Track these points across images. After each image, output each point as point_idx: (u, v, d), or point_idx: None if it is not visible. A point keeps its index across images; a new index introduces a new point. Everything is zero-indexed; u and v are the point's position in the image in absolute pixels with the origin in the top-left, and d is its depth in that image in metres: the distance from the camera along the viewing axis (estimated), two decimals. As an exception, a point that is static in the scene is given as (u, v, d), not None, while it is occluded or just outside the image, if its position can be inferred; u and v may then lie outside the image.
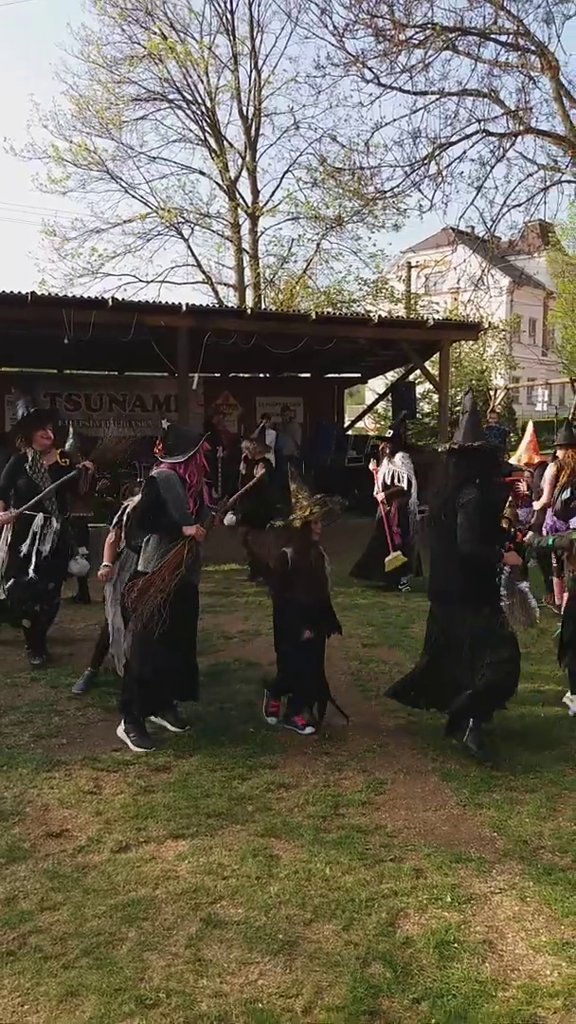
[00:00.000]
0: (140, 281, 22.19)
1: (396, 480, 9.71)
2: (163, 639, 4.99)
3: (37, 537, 6.62)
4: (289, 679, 5.52)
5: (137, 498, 5.77)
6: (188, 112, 21.88)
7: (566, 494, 7.32)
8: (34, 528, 6.63)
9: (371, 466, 10.20)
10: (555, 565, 8.25)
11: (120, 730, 5.16)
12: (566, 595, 6.36)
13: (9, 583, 6.65)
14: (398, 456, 9.83)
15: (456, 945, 3.13)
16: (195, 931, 3.22)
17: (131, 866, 3.69)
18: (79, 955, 3.07)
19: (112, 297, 11.77)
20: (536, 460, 10.08)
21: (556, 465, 7.97)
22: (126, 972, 2.97)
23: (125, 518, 5.84)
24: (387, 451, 10.00)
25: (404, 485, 9.59)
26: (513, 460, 11.63)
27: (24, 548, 6.60)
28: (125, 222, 21.85)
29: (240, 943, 3.15)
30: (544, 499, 8.13)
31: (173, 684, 5.28)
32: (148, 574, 5.10)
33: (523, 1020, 2.74)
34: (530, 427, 11.10)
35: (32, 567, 6.58)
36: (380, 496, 9.75)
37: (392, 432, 10.49)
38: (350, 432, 18.61)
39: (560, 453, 7.93)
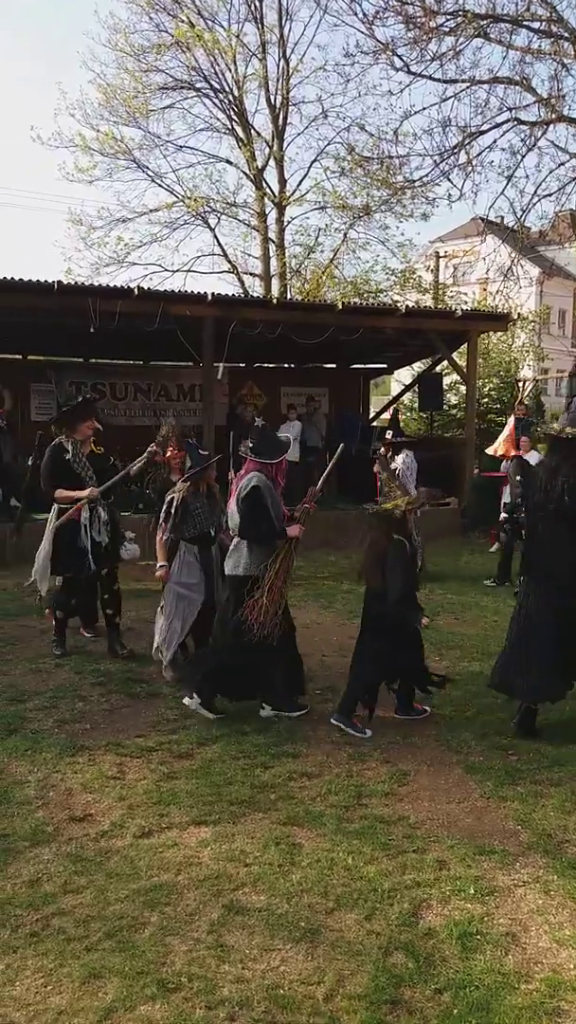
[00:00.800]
0: (166, 270, 22.23)
1: (400, 477, 9.58)
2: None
3: (87, 529, 6.46)
4: (377, 679, 5.32)
5: (178, 491, 5.86)
6: (215, 101, 21.85)
7: None
8: (83, 521, 6.46)
9: (375, 468, 10.08)
10: None
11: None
12: None
13: (65, 576, 6.57)
14: (400, 456, 9.71)
15: (479, 937, 3.12)
16: (217, 917, 3.22)
17: (154, 851, 3.71)
18: (102, 938, 3.09)
19: (138, 286, 11.79)
20: (512, 453, 10.00)
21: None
22: (148, 956, 2.99)
23: (173, 512, 5.83)
24: (387, 451, 9.86)
25: (410, 486, 9.41)
26: (489, 451, 11.51)
27: (82, 540, 6.43)
28: (151, 211, 21.88)
29: (262, 930, 3.15)
30: None
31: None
32: (259, 590, 5.12)
33: (545, 1013, 2.72)
34: (511, 421, 11.03)
35: (90, 558, 6.46)
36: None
37: (391, 431, 10.34)
38: (375, 423, 18.52)
39: None
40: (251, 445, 5.54)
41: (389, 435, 10.29)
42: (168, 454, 8.06)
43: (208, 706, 5.34)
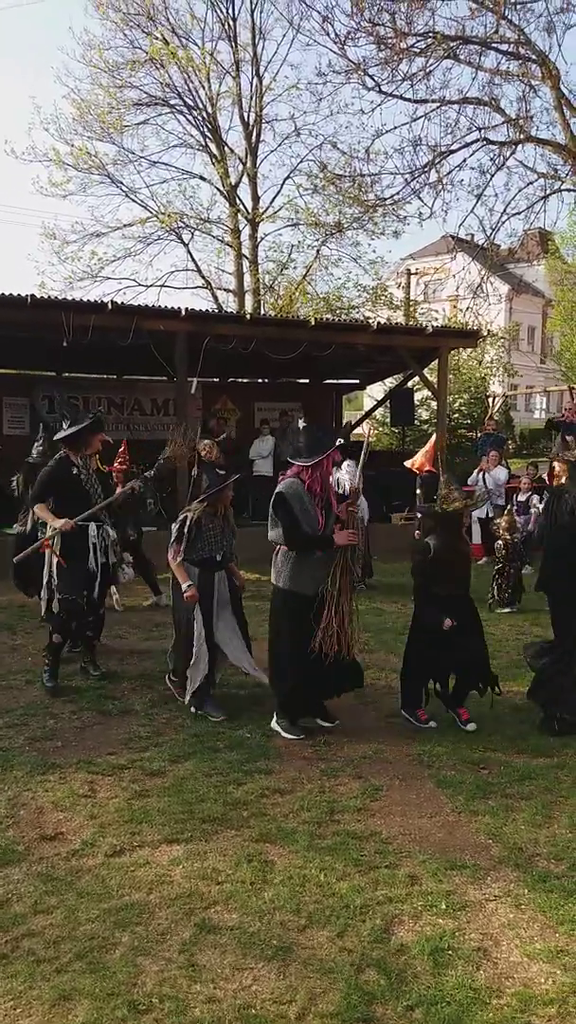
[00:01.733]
0: (140, 285, 22.27)
1: (339, 487, 9.54)
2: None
3: (98, 549, 6.20)
4: (423, 678, 5.58)
5: (193, 510, 5.64)
6: (189, 117, 21.98)
7: None
8: (92, 539, 6.18)
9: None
10: None
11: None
12: None
13: (64, 597, 6.13)
14: (345, 464, 9.67)
15: (450, 952, 3.13)
16: (189, 936, 3.21)
17: (125, 870, 3.68)
18: (72, 959, 3.06)
19: (112, 301, 11.79)
20: (427, 468, 10.13)
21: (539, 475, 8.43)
22: (119, 977, 2.96)
23: (187, 531, 5.59)
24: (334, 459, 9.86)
25: (345, 491, 9.40)
26: (408, 464, 11.63)
27: (90, 562, 6.16)
28: (125, 226, 21.93)
29: (234, 949, 3.14)
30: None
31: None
32: (326, 614, 5.07)
33: (517, 1028, 2.73)
34: (433, 438, 11.20)
35: (97, 582, 6.24)
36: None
37: (341, 440, 10.39)
38: (350, 437, 18.62)
39: (558, 465, 8.09)
40: (294, 447, 5.48)
41: (339, 441, 10.31)
42: (116, 465, 8.07)
43: (292, 727, 5.33)
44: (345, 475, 9.61)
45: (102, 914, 3.34)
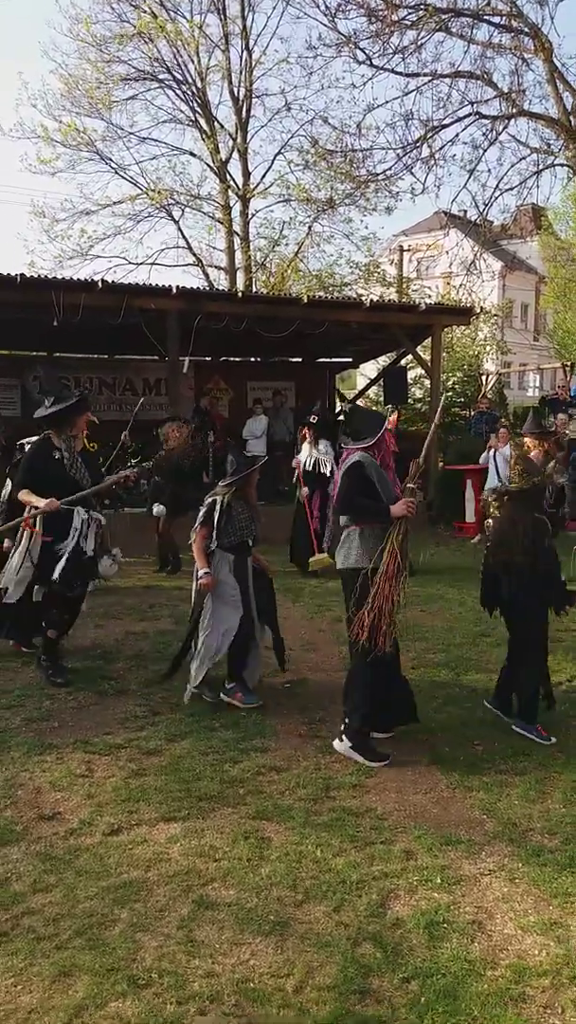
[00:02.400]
0: (130, 263, 22.03)
1: (318, 467, 9.49)
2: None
3: (80, 535, 5.82)
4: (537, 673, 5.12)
5: (221, 495, 5.49)
6: (178, 92, 21.65)
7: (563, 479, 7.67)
8: (76, 525, 5.80)
9: (294, 462, 9.92)
10: None
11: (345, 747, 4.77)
12: None
13: (59, 588, 5.78)
14: (322, 443, 9.65)
15: (446, 925, 3.17)
16: (187, 912, 3.24)
17: (123, 848, 3.71)
18: (72, 936, 3.09)
19: (102, 279, 11.71)
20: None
21: (516, 451, 8.20)
22: (118, 953, 3.00)
23: (216, 516, 5.45)
24: (308, 437, 9.74)
25: (327, 472, 9.33)
26: None
27: (67, 548, 5.76)
28: (115, 203, 21.64)
29: (232, 924, 3.17)
30: None
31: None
32: (371, 596, 4.54)
33: (511, 999, 2.78)
34: (393, 416, 11.06)
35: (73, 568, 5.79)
36: (304, 490, 9.58)
37: (316, 417, 10.31)
38: (341, 417, 18.60)
39: (528, 441, 8.16)
40: (347, 432, 5.37)
41: (313, 419, 10.23)
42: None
43: (366, 749, 4.70)
44: (324, 454, 9.54)
45: (101, 892, 3.38)
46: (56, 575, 5.71)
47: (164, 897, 3.35)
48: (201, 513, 5.54)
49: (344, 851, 3.69)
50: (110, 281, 12.07)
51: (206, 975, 2.88)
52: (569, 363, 18.07)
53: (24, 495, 5.79)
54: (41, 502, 5.68)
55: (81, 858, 3.63)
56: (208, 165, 22.27)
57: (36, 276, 12.45)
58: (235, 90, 21.73)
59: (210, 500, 5.56)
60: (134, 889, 3.40)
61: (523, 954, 3.02)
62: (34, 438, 6.26)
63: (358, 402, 17.66)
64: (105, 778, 4.42)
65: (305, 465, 9.63)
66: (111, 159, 21.67)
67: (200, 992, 2.80)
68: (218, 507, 5.46)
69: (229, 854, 3.66)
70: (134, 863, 3.60)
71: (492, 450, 12.18)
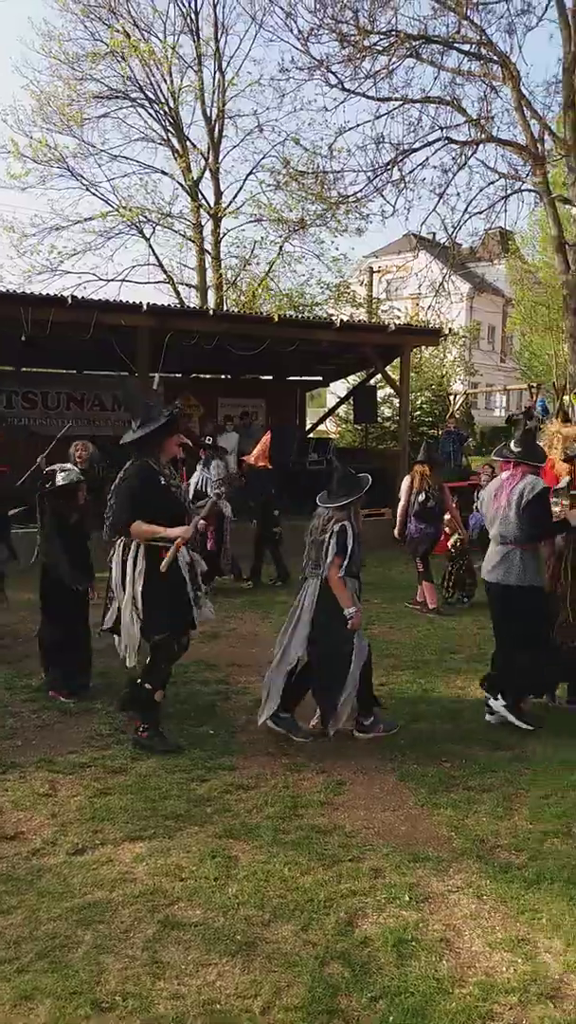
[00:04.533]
0: (100, 279, 22.00)
1: (206, 489, 9.29)
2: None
3: (191, 574, 5.17)
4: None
5: (346, 522, 5.12)
6: (151, 111, 21.75)
7: (421, 497, 8.61)
8: (184, 561, 5.11)
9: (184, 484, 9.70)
10: (421, 570, 8.94)
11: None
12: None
13: (163, 639, 5.07)
14: (213, 464, 9.53)
15: (414, 943, 3.15)
16: (152, 933, 3.19)
17: (87, 869, 3.65)
18: (34, 959, 3.02)
19: (72, 295, 11.65)
20: (261, 463, 10.12)
21: (410, 476, 9.00)
22: (81, 975, 2.93)
23: (351, 543, 5.09)
24: (204, 458, 9.60)
25: (213, 495, 9.17)
26: (244, 459, 11.39)
27: (189, 589, 5.13)
28: (86, 220, 21.64)
29: (198, 944, 3.13)
30: (401, 504, 9.01)
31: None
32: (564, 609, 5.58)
33: (479, 1016, 2.76)
34: (267, 436, 10.99)
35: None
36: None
37: (211, 439, 10.29)
38: (311, 435, 18.65)
39: (417, 468, 8.93)
40: (518, 449, 5.53)
41: (208, 440, 10.22)
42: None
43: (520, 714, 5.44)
44: (213, 475, 9.40)
45: (64, 913, 3.31)
46: (196, 618, 5.14)
47: (129, 918, 3.29)
48: (332, 543, 5.10)
49: (312, 869, 3.66)
50: (80, 297, 12.02)
51: (171, 997, 2.83)
52: (535, 384, 18.34)
53: (141, 527, 4.95)
54: (176, 530, 4.96)
55: (44, 879, 3.56)
56: (180, 184, 22.38)
57: (4, 291, 12.36)
58: (208, 110, 21.90)
59: (338, 528, 5.12)
60: (98, 910, 3.34)
61: (491, 971, 3.01)
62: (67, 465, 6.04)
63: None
64: (69, 797, 4.35)
65: (197, 486, 9.37)
66: (82, 176, 21.71)
67: (165, 1015, 2.75)
68: (351, 533, 5.13)
69: (196, 873, 3.61)
70: (98, 883, 3.53)
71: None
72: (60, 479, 5.93)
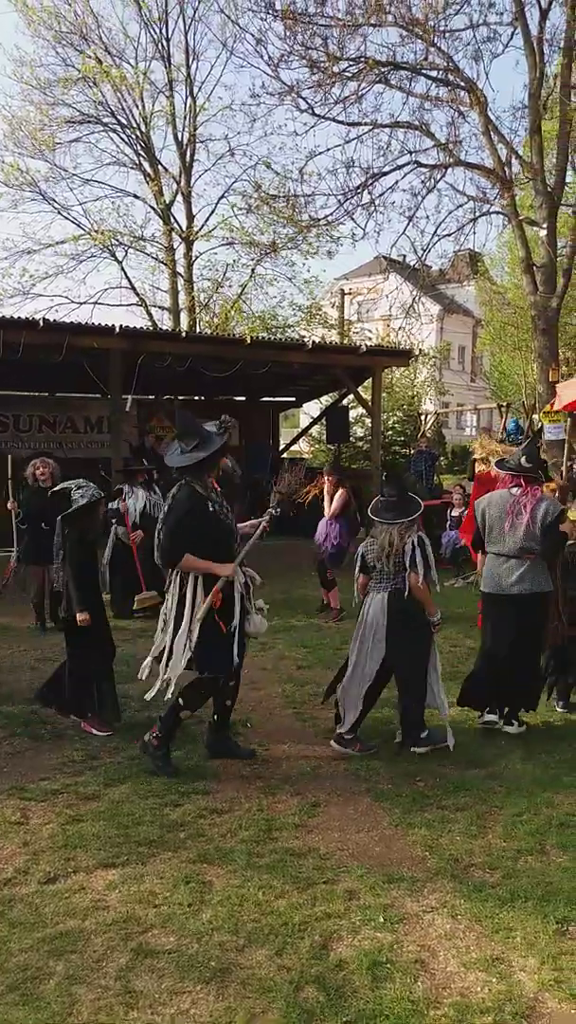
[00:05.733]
0: (72, 302, 22.04)
1: (153, 511, 8.94)
2: None
3: (243, 601, 5.00)
4: None
5: (419, 533, 5.28)
6: (123, 136, 21.93)
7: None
8: (239, 590, 4.96)
9: (122, 506, 9.41)
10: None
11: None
12: None
13: (210, 677, 4.98)
14: (156, 488, 9.48)
15: (389, 965, 3.14)
16: (125, 962, 3.15)
17: (59, 897, 3.60)
18: (4, 991, 2.97)
19: (43, 318, 11.65)
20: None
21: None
22: (53, 1007, 2.89)
23: (430, 553, 5.27)
24: (145, 480, 9.54)
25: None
26: None
27: (236, 622, 4.94)
28: (58, 243, 21.71)
29: (172, 972, 3.09)
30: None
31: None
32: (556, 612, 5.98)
33: (454, 1038, 2.76)
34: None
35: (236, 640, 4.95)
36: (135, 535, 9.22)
37: (133, 458, 10.24)
38: (285, 455, 18.71)
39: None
40: (529, 465, 5.70)
41: (145, 462, 10.22)
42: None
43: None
44: (159, 499, 9.12)
45: (35, 943, 3.26)
46: (235, 658, 4.93)
47: (102, 947, 3.25)
48: (418, 554, 5.22)
49: (286, 893, 3.64)
50: (52, 320, 12.02)
51: (144, 1026, 2.80)
52: (505, 403, 18.54)
53: (191, 561, 4.80)
54: (225, 568, 4.83)
55: (15, 909, 3.51)
56: (152, 207, 22.54)
57: (-24, 314, 12.33)
58: (179, 135, 22.12)
59: (416, 539, 5.27)
60: (71, 939, 3.29)
61: (466, 992, 3.00)
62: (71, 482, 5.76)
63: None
64: (41, 825, 4.30)
65: (144, 508, 9.29)
66: (54, 200, 21.82)
67: (138, 1045, 2.71)
68: (428, 544, 5.33)
69: (169, 900, 3.58)
70: (71, 912, 3.49)
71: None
72: (78, 496, 5.61)
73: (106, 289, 23.30)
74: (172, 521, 4.84)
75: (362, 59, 13.92)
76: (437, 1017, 2.86)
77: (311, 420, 19.34)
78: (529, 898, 3.58)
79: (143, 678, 5.06)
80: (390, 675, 5.42)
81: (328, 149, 27.57)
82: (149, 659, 5.04)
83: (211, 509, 4.89)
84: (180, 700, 5.00)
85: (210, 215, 22.66)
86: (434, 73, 14.37)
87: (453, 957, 3.21)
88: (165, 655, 4.91)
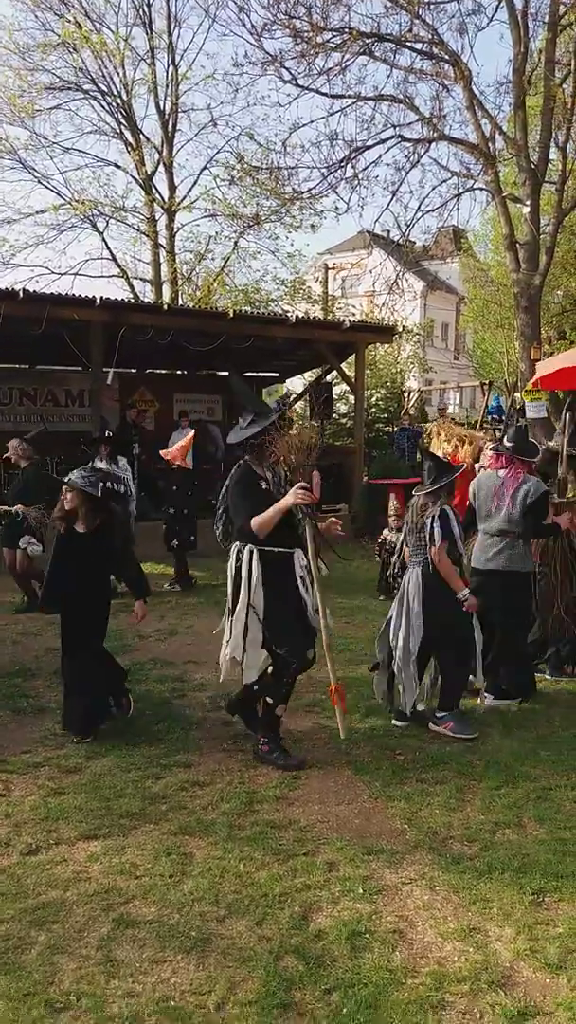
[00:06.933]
0: (53, 273, 21.74)
1: (113, 485, 9.06)
2: None
3: (304, 583, 4.74)
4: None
5: (445, 506, 5.25)
6: (103, 103, 21.52)
7: None
8: (298, 572, 4.73)
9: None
10: None
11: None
12: None
13: (288, 659, 4.68)
14: (121, 460, 9.32)
15: (367, 935, 3.18)
16: (107, 932, 3.18)
17: (41, 868, 3.62)
18: (-14, 962, 2.99)
19: (23, 288, 11.50)
20: (178, 462, 9.75)
21: None
22: (35, 976, 2.91)
23: (455, 527, 5.26)
24: (104, 453, 9.13)
25: (121, 490, 8.51)
26: (162, 453, 10.99)
27: (305, 601, 4.75)
28: (37, 212, 21.37)
29: (152, 942, 3.13)
30: None
31: None
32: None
33: (431, 1006, 2.81)
34: (191, 435, 10.76)
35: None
36: None
37: (111, 433, 9.98)
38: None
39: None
40: (512, 444, 5.72)
41: (108, 434, 9.81)
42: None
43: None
44: (120, 472, 9.05)
45: (17, 914, 3.28)
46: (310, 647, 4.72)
47: (83, 917, 3.28)
48: (436, 528, 5.16)
49: (267, 864, 3.68)
50: (32, 290, 11.86)
51: (126, 995, 2.83)
52: (488, 381, 18.57)
53: (259, 520, 4.58)
54: (282, 501, 4.57)
55: (-4, 880, 3.53)
56: (133, 177, 22.20)
57: (-46, 284, 12.14)
58: (161, 103, 21.74)
59: (439, 512, 5.22)
60: (52, 910, 3.31)
61: (443, 961, 3.06)
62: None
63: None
64: (23, 797, 4.31)
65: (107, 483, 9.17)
66: (34, 168, 21.41)
67: (119, 1013, 2.74)
68: (452, 517, 5.27)
69: (151, 871, 3.61)
70: (53, 883, 3.51)
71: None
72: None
73: (87, 260, 22.89)
74: (227, 503, 4.79)
75: (346, 29, 13.74)
76: (414, 986, 2.91)
77: (294, 396, 19.28)
78: (506, 870, 3.64)
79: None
80: (437, 646, 5.41)
81: (312, 121, 27.41)
82: (224, 651, 4.83)
83: (264, 487, 4.70)
84: (267, 698, 4.83)
85: (192, 186, 22.19)
86: (419, 46, 14.22)
87: (431, 927, 3.26)
88: (230, 636, 4.75)
